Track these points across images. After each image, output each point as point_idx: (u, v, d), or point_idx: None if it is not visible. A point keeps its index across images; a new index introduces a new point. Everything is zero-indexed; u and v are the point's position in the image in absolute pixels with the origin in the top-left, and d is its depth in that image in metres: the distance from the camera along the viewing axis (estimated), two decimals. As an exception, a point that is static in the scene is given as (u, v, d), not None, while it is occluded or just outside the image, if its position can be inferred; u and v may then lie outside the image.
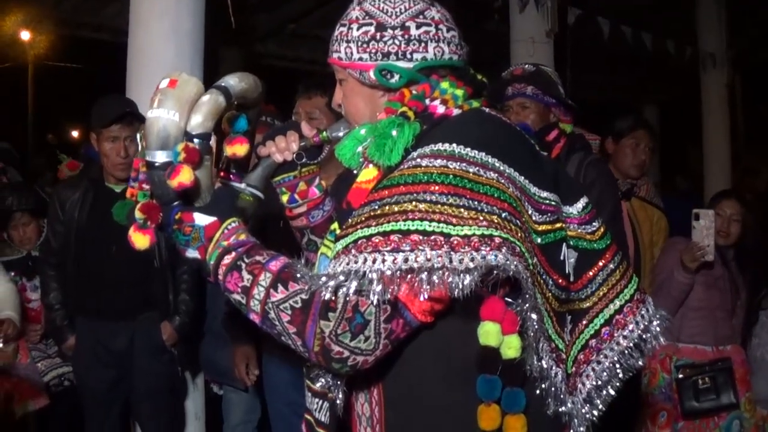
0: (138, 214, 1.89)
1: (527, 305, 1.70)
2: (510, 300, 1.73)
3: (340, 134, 2.14)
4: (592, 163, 3.67)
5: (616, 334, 1.97)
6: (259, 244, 1.86)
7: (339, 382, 1.94)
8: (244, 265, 1.77)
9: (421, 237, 1.59)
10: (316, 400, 2.05)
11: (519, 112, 3.69)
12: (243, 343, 3.99)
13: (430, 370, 1.82)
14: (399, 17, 1.92)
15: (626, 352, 1.96)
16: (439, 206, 1.64)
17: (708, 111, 10.83)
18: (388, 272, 1.58)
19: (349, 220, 1.74)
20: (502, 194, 1.70)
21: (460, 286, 1.57)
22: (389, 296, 1.60)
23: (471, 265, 1.56)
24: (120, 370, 4.34)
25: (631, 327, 1.98)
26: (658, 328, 2.00)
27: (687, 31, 10.56)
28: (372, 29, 1.92)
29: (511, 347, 1.74)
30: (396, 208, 1.65)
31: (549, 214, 1.86)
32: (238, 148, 2.06)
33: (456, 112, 1.91)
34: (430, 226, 1.61)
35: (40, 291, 4.61)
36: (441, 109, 1.91)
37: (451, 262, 1.56)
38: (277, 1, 9.31)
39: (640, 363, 1.98)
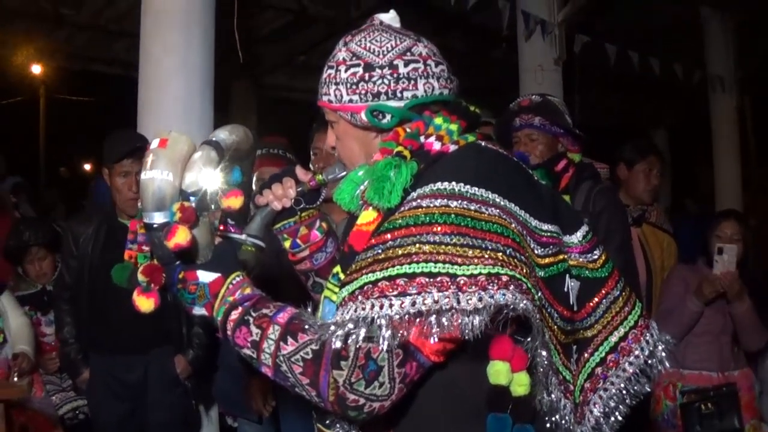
0: (141, 278, 1.87)
1: (537, 342, 1.71)
2: (518, 338, 1.74)
3: (337, 176, 2.14)
4: (600, 192, 3.66)
5: (621, 361, 1.98)
6: (266, 296, 1.84)
7: (353, 428, 1.90)
8: (251, 320, 1.75)
9: (427, 279, 1.57)
10: None
11: (527, 143, 3.69)
12: (258, 374, 3.97)
13: (440, 409, 1.80)
14: (386, 56, 1.91)
15: (632, 378, 1.96)
16: (444, 247, 1.62)
17: (718, 134, 10.84)
18: (397, 317, 1.56)
19: (353, 265, 1.72)
20: (504, 230, 1.69)
21: (471, 327, 1.55)
22: (399, 341, 1.59)
23: (479, 305, 1.54)
24: (134, 404, 4.36)
25: (636, 353, 1.98)
26: (663, 353, 2.01)
27: (695, 55, 10.57)
28: (360, 70, 1.90)
29: (521, 385, 1.75)
30: (400, 252, 1.64)
31: (551, 247, 1.85)
32: (233, 201, 2.03)
33: (452, 148, 1.89)
34: (435, 267, 1.59)
35: (55, 325, 4.63)
36: (437, 146, 1.89)
37: (459, 302, 1.54)
38: (286, 34, 9.39)
39: (647, 388, 1.98)
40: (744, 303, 4.41)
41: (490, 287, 1.56)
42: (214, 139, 1.97)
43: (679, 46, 10.57)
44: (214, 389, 4.65)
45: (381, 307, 1.57)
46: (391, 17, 2.02)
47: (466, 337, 1.57)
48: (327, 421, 1.96)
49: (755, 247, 9.34)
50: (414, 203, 1.73)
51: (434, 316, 1.56)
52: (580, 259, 1.98)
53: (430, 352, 1.66)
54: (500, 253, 1.63)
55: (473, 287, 1.56)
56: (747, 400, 4.54)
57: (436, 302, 1.55)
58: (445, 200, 1.71)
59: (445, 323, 1.56)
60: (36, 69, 19.56)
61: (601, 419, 1.95)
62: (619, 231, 3.65)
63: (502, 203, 1.75)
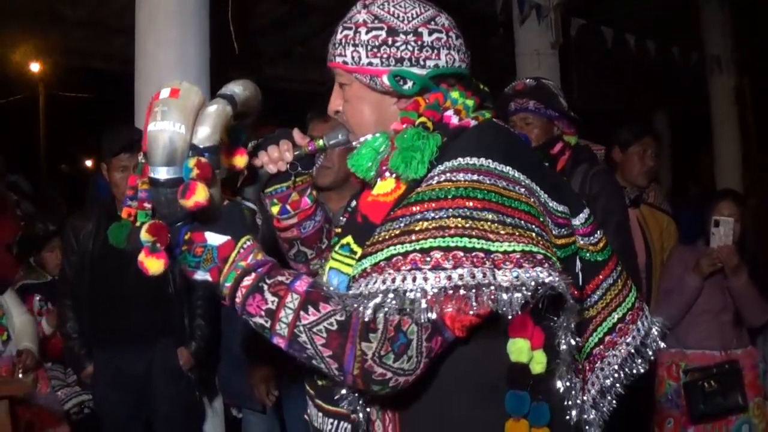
0: (146, 237, 1.69)
1: (569, 321, 1.74)
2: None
3: (339, 142, 2.10)
4: (597, 174, 3.67)
5: (619, 342, 2.01)
6: (277, 263, 1.77)
7: (362, 403, 1.84)
8: (266, 287, 1.67)
9: (462, 254, 1.56)
10: (330, 420, 1.95)
11: (522, 127, 3.68)
12: (261, 364, 3.99)
13: (458, 385, 1.78)
14: (411, 22, 1.86)
15: (628, 358, 2.00)
16: (476, 222, 1.61)
17: (717, 115, 10.83)
18: (432, 291, 1.53)
19: (376, 236, 1.70)
20: (531, 209, 1.71)
21: (510, 304, 1.54)
22: (435, 315, 1.56)
23: (516, 282, 1.53)
24: (138, 397, 4.39)
25: (633, 334, 2.02)
26: (656, 334, 2.04)
27: (692, 37, 10.56)
28: (383, 33, 1.85)
29: (538, 363, 1.77)
30: (432, 224, 1.61)
31: (565, 228, 1.87)
32: (238, 160, 1.98)
33: (473, 123, 1.89)
34: (470, 242, 1.57)
35: (58, 321, 4.65)
36: (455, 120, 1.88)
37: (495, 278, 1.54)
38: (284, 25, 9.38)
39: (641, 368, 2.02)
40: (741, 277, 4.42)
41: (525, 264, 1.56)
42: (228, 92, 1.86)
43: (676, 27, 10.57)
44: (217, 380, 4.68)
45: (414, 279, 1.55)
46: None
47: (505, 314, 1.55)
48: (334, 398, 1.87)
49: (756, 227, 9.40)
50: (443, 176, 1.72)
51: (472, 291, 1.54)
52: (581, 242, 1.99)
53: (456, 327, 1.64)
54: (531, 232, 1.64)
55: (508, 264, 1.56)
56: (750, 378, 4.55)
57: (473, 277, 1.54)
58: (475, 175, 1.70)
59: (484, 299, 1.54)
60: (34, 67, 19.60)
61: (597, 398, 1.98)
62: (616, 213, 3.66)
63: (525, 182, 1.77)
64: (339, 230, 2.08)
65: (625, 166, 4.74)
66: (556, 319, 1.75)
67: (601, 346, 2.00)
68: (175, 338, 4.41)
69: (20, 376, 4.55)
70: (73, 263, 4.38)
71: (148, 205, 1.82)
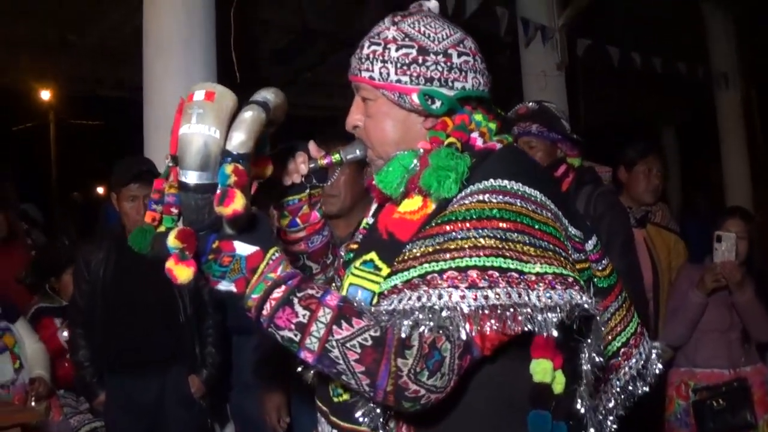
0: (176, 243, 1.59)
1: (596, 341, 1.77)
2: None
3: (357, 157, 2.06)
4: (601, 195, 3.67)
5: (623, 365, 2.03)
6: (306, 276, 1.75)
7: (382, 421, 1.79)
8: (296, 300, 1.62)
9: (498, 274, 1.58)
10: None
11: (526, 150, 3.68)
12: (273, 390, 4.00)
13: (480, 403, 1.79)
14: (441, 43, 1.87)
15: (630, 381, 2.03)
16: (509, 243, 1.63)
17: (724, 129, 10.84)
18: (469, 309, 1.55)
19: (407, 253, 1.71)
20: (557, 233, 1.74)
21: (546, 324, 1.57)
22: (474, 334, 1.57)
23: (550, 303, 1.57)
24: (150, 424, 4.40)
25: (636, 358, 2.04)
26: (655, 357, 2.07)
27: (698, 52, 10.59)
28: (414, 52, 1.85)
29: (559, 383, 1.78)
30: (467, 243, 1.63)
31: (582, 253, 1.91)
32: (264, 169, 1.95)
33: (498, 146, 1.91)
34: (505, 262, 1.60)
35: (70, 349, 4.68)
36: (480, 142, 1.90)
37: (529, 299, 1.57)
38: (291, 52, 9.44)
39: (640, 391, 2.05)
40: (745, 292, 4.41)
41: (558, 286, 1.60)
42: (262, 99, 1.79)
43: (681, 42, 10.59)
44: (229, 407, 4.70)
45: (450, 297, 1.57)
46: (434, 5, 2.00)
47: (539, 333, 1.58)
48: (353, 415, 1.82)
49: (762, 243, 9.38)
50: (476, 197, 1.73)
51: (509, 310, 1.56)
52: (592, 267, 2.00)
53: (486, 346, 1.64)
54: (560, 255, 1.69)
55: (541, 285, 1.60)
56: (760, 395, 4.52)
57: (509, 297, 1.57)
58: (507, 197, 1.72)
59: (520, 319, 1.56)
60: (45, 94, 19.69)
61: (600, 419, 2.00)
62: (621, 234, 3.65)
63: (551, 206, 1.80)
64: (355, 246, 2.08)
65: (631, 185, 4.75)
66: (581, 339, 1.78)
67: (606, 369, 2.00)
68: (186, 366, 4.42)
69: (33, 404, 4.57)
70: (85, 291, 4.41)
71: (174, 210, 1.78)
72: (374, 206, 2.16)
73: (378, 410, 1.77)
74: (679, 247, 4.95)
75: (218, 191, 1.61)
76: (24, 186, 11.17)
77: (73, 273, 4.63)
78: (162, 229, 1.77)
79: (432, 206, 1.86)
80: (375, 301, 1.78)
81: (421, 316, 1.57)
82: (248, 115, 1.71)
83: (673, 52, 9.88)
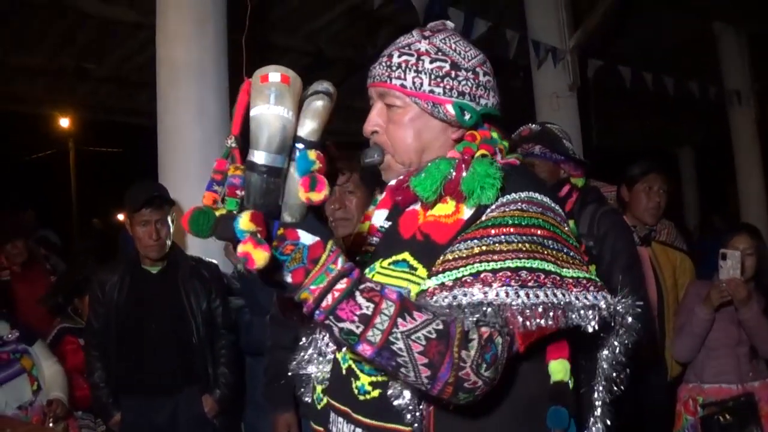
0: (250, 226, 1.51)
1: (623, 340, 1.89)
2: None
3: (375, 162, 2.05)
4: (604, 214, 3.69)
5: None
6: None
7: (418, 415, 1.83)
8: (358, 293, 1.62)
9: (544, 275, 1.71)
10: None
11: None
12: (284, 410, 4.03)
13: (496, 400, 1.84)
14: (471, 61, 1.96)
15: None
16: (547, 249, 1.76)
17: (739, 148, 10.85)
18: (520, 306, 1.67)
19: (451, 254, 1.79)
20: (576, 244, 1.88)
21: (590, 321, 1.73)
22: (532, 329, 1.68)
23: (588, 303, 1.74)
24: (164, 444, 4.46)
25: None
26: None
27: (711, 71, 10.60)
28: (447, 66, 1.93)
29: (572, 380, 1.89)
30: (511, 247, 1.74)
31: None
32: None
33: (517, 162, 2.00)
34: (548, 266, 1.73)
35: (86, 371, 4.74)
36: (499, 157, 1.98)
37: (571, 299, 1.73)
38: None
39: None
40: (751, 309, 4.42)
41: (592, 289, 1.77)
42: (324, 89, 1.72)
43: (694, 63, 10.61)
44: (243, 427, 4.73)
45: (507, 294, 1.67)
46: (453, 25, 2.08)
47: (584, 330, 1.74)
48: (381, 412, 1.87)
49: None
50: (515, 205, 1.84)
51: (558, 310, 1.70)
52: None
53: (524, 342, 1.73)
54: (584, 264, 1.83)
55: (579, 287, 1.75)
56: (767, 410, 4.52)
57: (556, 296, 1.71)
58: (540, 208, 1.85)
59: (571, 316, 1.72)
60: (64, 122, 19.86)
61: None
62: (625, 251, 3.67)
63: (568, 221, 1.96)
64: (371, 248, 2.16)
65: (632, 204, 4.73)
66: (603, 337, 1.89)
67: None
68: (199, 386, 4.46)
69: (51, 425, 4.64)
70: (100, 314, 4.46)
71: (239, 192, 1.65)
72: (383, 211, 2.22)
73: (417, 405, 1.82)
74: (686, 265, 4.95)
75: (304, 177, 1.60)
76: (44, 213, 11.27)
77: (89, 296, 4.70)
78: (222, 211, 1.65)
79: (464, 211, 1.92)
80: (413, 297, 1.81)
81: (484, 310, 1.66)
82: (320, 104, 1.68)
83: (685, 71, 9.90)
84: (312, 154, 1.61)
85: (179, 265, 4.48)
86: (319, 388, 2.11)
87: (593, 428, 1.98)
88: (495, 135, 2.00)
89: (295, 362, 2.21)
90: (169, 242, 4.41)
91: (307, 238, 1.61)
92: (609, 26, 8.35)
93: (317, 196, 1.58)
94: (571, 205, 3.68)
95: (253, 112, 1.62)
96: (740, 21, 10.44)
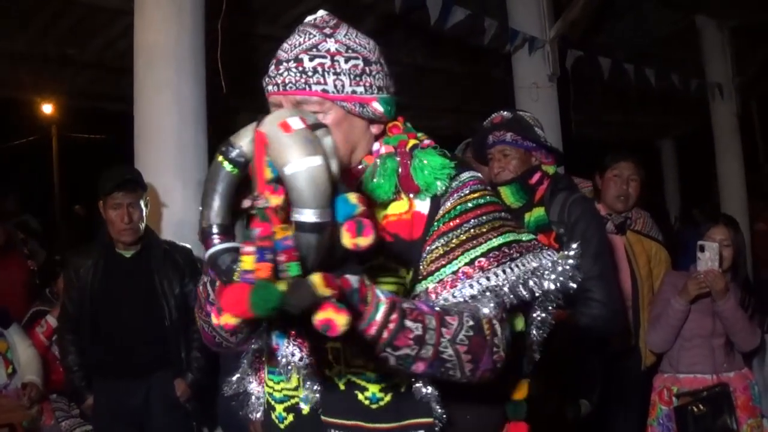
0: (326, 291, 1.39)
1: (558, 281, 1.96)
2: None
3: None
4: (575, 201, 3.66)
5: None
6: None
7: (439, 410, 1.86)
8: (406, 317, 1.62)
9: (517, 245, 1.87)
10: None
11: (500, 159, 3.74)
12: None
13: None
14: (375, 53, 1.93)
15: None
16: (505, 221, 1.92)
17: (720, 141, 10.86)
18: (518, 278, 1.82)
19: (436, 250, 1.86)
20: (507, 213, 2.00)
21: (570, 277, 1.88)
22: (531, 298, 1.84)
23: (551, 260, 1.91)
24: (137, 427, 4.47)
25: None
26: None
27: (693, 64, 10.62)
28: (361, 63, 1.88)
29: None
30: (487, 227, 1.87)
31: None
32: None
33: (435, 143, 2.01)
34: (514, 236, 1.89)
35: (59, 354, 4.76)
36: (426, 142, 2.01)
37: (543, 261, 1.89)
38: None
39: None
40: (728, 301, 4.45)
41: (543, 248, 1.94)
42: (315, 120, 1.64)
43: (676, 56, 10.63)
44: (218, 409, 4.74)
45: (504, 272, 1.82)
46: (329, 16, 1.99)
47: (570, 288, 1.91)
48: (423, 396, 1.85)
49: (762, 252, 9.40)
50: (467, 188, 1.92)
51: (541, 272, 1.87)
52: None
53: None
54: (522, 227, 1.99)
55: (538, 248, 1.92)
56: (743, 400, 4.54)
57: (537, 260, 1.88)
58: (481, 185, 1.96)
59: (557, 276, 1.88)
60: (47, 108, 19.75)
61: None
62: (595, 238, 3.64)
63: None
64: None
65: (603, 191, 4.80)
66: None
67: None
68: (172, 370, 4.50)
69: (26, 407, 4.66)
70: (74, 298, 4.49)
71: (296, 254, 1.47)
72: None
73: (436, 394, 1.85)
74: (661, 255, 4.97)
75: (349, 222, 1.49)
76: (26, 198, 11.23)
77: (64, 280, 4.71)
78: (283, 281, 1.44)
79: (418, 204, 1.93)
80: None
81: (494, 294, 1.79)
82: (329, 139, 1.61)
83: (667, 64, 9.91)
84: (353, 198, 1.51)
85: (153, 249, 4.49)
86: (279, 407, 2.04)
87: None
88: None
89: (228, 385, 2.24)
90: (142, 226, 4.41)
91: (354, 280, 1.54)
92: (591, 17, 8.34)
93: (365, 241, 1.48)
94: (542, 192, 3.69)
95: (289, 170, 1.47)
96: (723, 15, 10.45)
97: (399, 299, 1.65)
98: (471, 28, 7.37)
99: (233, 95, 5.69)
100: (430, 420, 1.86)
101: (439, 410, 1.85)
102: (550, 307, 2.02)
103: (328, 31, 1.91)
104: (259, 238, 1.47)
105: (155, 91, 4.91)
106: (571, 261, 1.92)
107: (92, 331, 4.46)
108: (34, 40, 8.32)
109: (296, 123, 1.51)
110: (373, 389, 1.90)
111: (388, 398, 1.90)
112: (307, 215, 1.46)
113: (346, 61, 1.87)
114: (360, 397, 1.91)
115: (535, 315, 2.05)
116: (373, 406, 1.90)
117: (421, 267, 1.86)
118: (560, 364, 2.35)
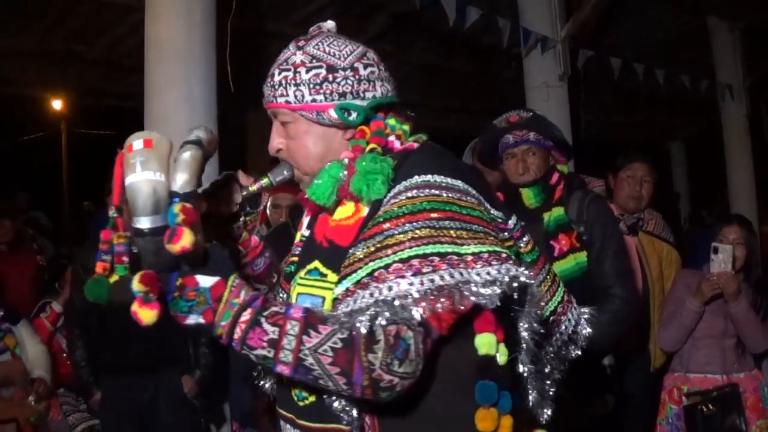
0: (140, 287, 1.65)
1: (533, 308, 1.88)
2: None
3: (285, 178, 2.14)
4: (592, 201, 3.65)
5: (554, 331, 2.18)
6: (267, 295, 1.80)
7: (355, 414, 1.89)
8: (263, 319, 1.69)
9: (438, 258, 1.71)
10: None
11: (525, 158, 3.66)
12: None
13: (428, 383, 1.86)
14: (347, 59, 1.97)
15: (563, 346, 2.18)
16: (443, 230, 1.76)
17: (730, 142, 10.83)
18: (418, 294, 1.67)
19: (351, 257, 1.80)
20: (483, 215, 1.89)
21: (491, 297, 1.70)
22: (427, 315, 1.67)
23: (489, 278, 1.72)
24: (144, 424, 4.48)
25: (564, 325, 2.19)
26: (584, 321, 2.21)
27: (703, 65, 10.58)
28: (323, 71, 1.95)
29: (503, 354, 1.87)
30: (405, 237, 1.75)
31: (506, 231, 2.07)
32: (201, 206, 1.96)
33: (416, 145, 2.03)
34: (443, 247, 1.73)
35: (67, 350, 4.75)
36: (397, 144, 2.02)
37: (471, 276, 1.71)
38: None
39: (573, 354, 2.20)
40: (740, 303, 4.43)
41: (494, 263, 1.75)
42: (195, 138, 1.91)
43: (686, 56, 10.60)
44: (228, 405, 4.75)
45: (399, 286, 1.69)
46: (332, 25, 2.11)
47: (485, 306, 1.73)
48: (320, 415, 1.94)
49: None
50: (405, 194, 1.85)
51: (456, 289, 1.69)
52: (516, 244, 2.15)
53: (443, 327, 1.74)
54: (489, 235, 1.83)
55: (479, 263, 1.74)
56: (753, 401, 4.53)
57: (452, 277, 1.70)
58: (433, 190, 1.85)
59: (467, 295, 1.69)
60: (56, 105, 19.78)
61: (542, 384, 2.12)
62: (615, 237, 3.66)
63: (473, 192, 1.93)
64: (295, 258, 2.18)
65: (616, 191, 4.80)
66: (519, 309, 1.88)
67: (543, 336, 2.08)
68: (179, 367, 4.51)
69: (33, 404, 4.65)
70: (81, 294, 4.44)
71: (125, 259, 1.80)
72: (307, 219, 2.25)
73: (351, 404, 1.87)
74: (672, 257, 4.96)
75: (169, 229, 1.70)
76: (36, 195, 11.25)
77: (72, 276, 4.71)
78: (115, 277, 1.81)
79: (365, 210, 1.96)
80: (328, 305, 1.88)
81: (377, 310, 1.67)
82: (187, 155, 1.84)
83: (677, 64, 9.87)
84: (176, 208, 1.72)
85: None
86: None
87: (530, 398, 2.02)
88: (392, 122, 2.05)
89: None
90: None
91: (205, 280, 1.72)
92: (602, 17, 8.32)
93: (174, 247, 1.67)
94: (560, 192, 3.66)
95: (126, 182, 1.76)
96: (734, 16, 10.41)
97: (269, 303, 1.74)
98: (484, 28, 7.33)
99: (243, 93, 5.69)
100: (348, 429, 1.91)
101: (354, 422, 1.88)
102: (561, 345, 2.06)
103: (302, 43, 2.02)
104: (101, 242, 1.81)
105: (165, 87, 4.89)
106: (527, 279, 1.81)
107: (100, 328, 4.46)
108: (43, 37, 8.32)
109: (137, 144, 1.78)
110: (301, 387, 1.98)
111: (312, 398, 1.98)
112: (137, 222, 1.76)
113: (308, 71, 1.96)
114: (292, 392, 2.02)
115: (548, 348, 2.08)
116: (300, 404, 2.01)
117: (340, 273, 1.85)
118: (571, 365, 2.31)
